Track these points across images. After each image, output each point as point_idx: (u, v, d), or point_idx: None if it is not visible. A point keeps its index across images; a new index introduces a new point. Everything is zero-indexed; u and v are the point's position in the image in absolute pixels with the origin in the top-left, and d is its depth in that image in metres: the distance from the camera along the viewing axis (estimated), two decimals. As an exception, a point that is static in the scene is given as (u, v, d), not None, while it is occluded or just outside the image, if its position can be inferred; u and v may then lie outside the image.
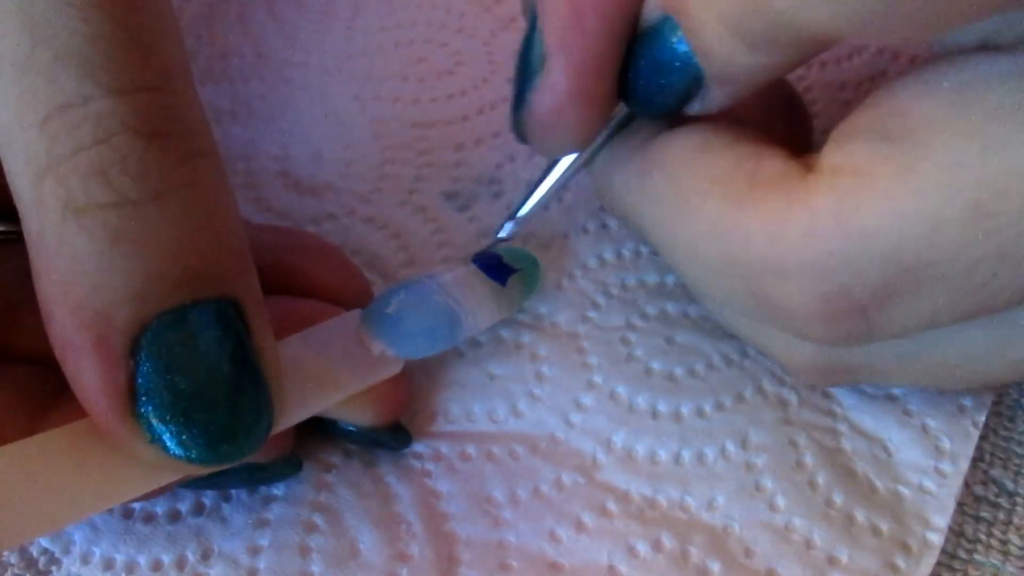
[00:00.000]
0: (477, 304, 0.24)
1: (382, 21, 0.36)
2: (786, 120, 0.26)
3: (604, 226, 0.29)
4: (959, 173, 0.18)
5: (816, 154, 0.20)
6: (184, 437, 0.19)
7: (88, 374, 0.18)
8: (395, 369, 0.24)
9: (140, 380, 0.18)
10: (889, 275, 0.19)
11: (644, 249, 0.29)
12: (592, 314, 0.27)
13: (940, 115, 0.18)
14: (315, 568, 0.23)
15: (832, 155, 0.20)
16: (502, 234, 0.26)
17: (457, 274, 0.25)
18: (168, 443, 0.19)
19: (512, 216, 0.26)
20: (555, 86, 0.21)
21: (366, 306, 0.25)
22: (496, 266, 0.25)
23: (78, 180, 0.18)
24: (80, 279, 0.18)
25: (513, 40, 0.35)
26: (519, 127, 0.23)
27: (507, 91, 0.33)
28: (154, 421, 0.18)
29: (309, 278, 0.25)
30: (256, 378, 0.19)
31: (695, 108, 0.21)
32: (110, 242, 0.18)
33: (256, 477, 0.24)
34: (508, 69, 0.34)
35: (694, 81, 0.20)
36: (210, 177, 0.19)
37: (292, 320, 0.23)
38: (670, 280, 0.28)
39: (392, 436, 0.25)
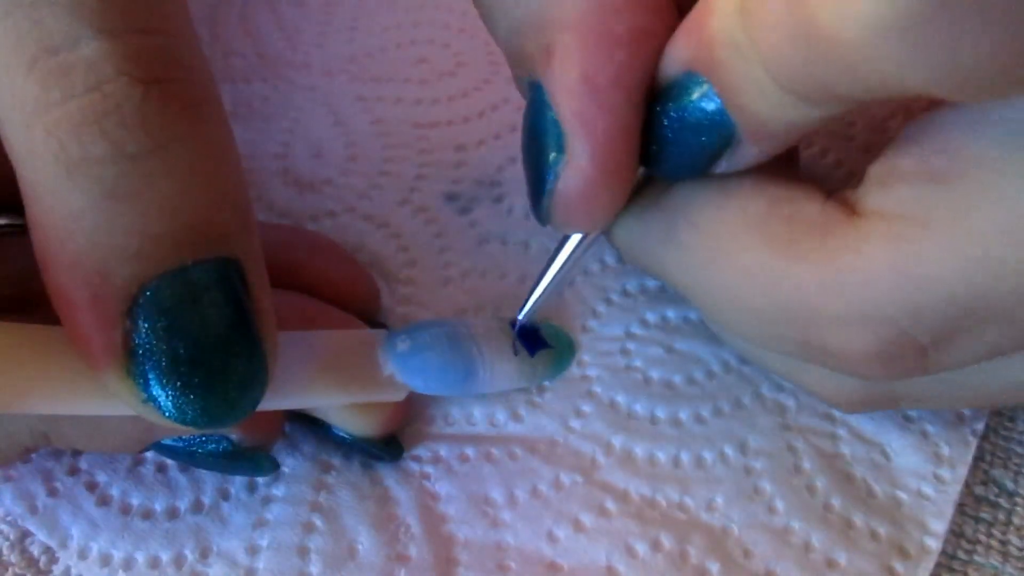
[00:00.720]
0: (499, 364, 0.24)
1: (384, 21, 0.36)
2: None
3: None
4: (1018, 214, 0.17)
5: (852, 192, 0.20)
6: (179, 400, 0.18)
7: (83, 329, 0.18)
8: (399, 396, 0.23)
9: (136, 340, 0.18)
10: (950, 318, 0.18)
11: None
12: (592, 323, 0.27)
13: (993, 154, 0.17)
14: (313, 569, 0.23)
15: (877, 198, 0.19)
16: (521, 317, 0.25)
17: (490, 328, 0.25)
18: (162, 404, 0.18)
19: (529, 299, 0.25)
20: (582, 169, 0.20)
21: (372, 307, 0.25)
22: (530, 336, 0.25)
23: (70, 131, 0.16)
24: (76, 235, 0.17)
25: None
26: (544, 214, 0.21)
27: (508, 92, 0.33)
28: (149, 382, 0.18)
29: (316, 275, 0.25)
30: (253, 342, 0.19)
31: (722, 167, 0.20)
32: (107, 198, 0.17)
33: (231, 464, 0.23)
34: (509, 71, 0.34)
35: (725, 140, 0.19)
36: (213, 127, 0.18)
37: (301, 316, 0.23)
38: (670, 285, 0.28)
39: (384, 449, 0.24)
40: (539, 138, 0.20)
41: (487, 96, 0.33)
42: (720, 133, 0.19)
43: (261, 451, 0.23)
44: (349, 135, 0.32)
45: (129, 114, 0.17)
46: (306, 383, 0.22)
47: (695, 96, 0.19)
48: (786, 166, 0.22)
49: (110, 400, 0.19)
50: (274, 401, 0.21)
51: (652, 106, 0.20)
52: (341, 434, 0.24)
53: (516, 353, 0.24)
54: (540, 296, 0.24)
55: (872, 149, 0.31)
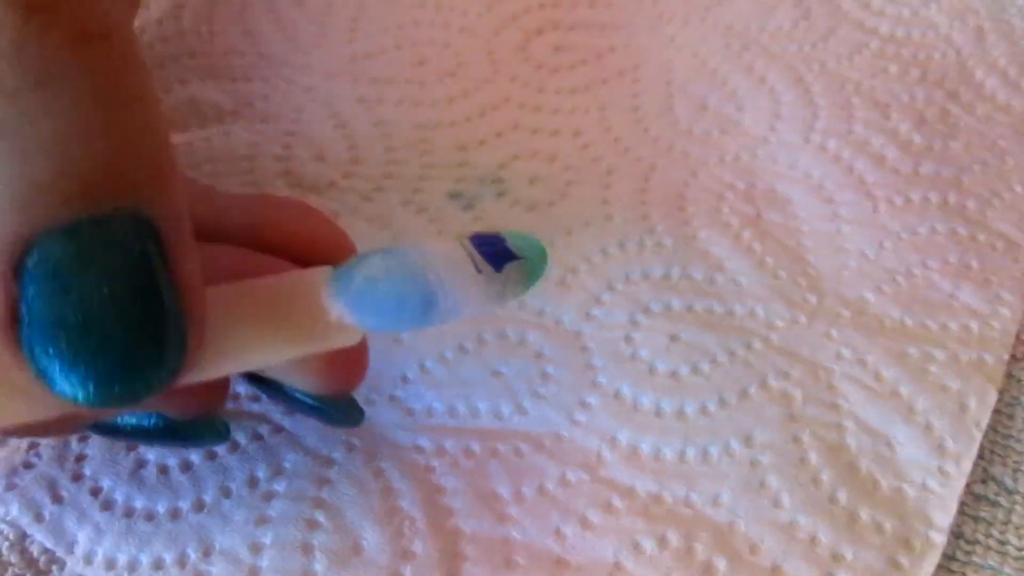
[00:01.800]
0: (461, 287, 0.21)
1: (383, 21, 0.36)
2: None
3: (608, 218, 0.29)
4: None
5: None
6: (72, 375, 0.16)
7: None
8: (351, 340, 0.20)
9: (23, 306, 0.15)
10: None
11: (648, 241, 0.29)
12: (596, 312, 0.27)
13: None
14: (318, 566, 0.23)
15: None
16: None
17: (448, 251, 0.21)
18: (54, 379, 0.16)
19: None
20: None
21: (343, 257, 0.23)
22: (495, 248, 0.22)
23: None
24: None
25: (514, 38, 0.35)
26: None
27: (509, 91, 0.33)
28: (39, 353, 0.16)
29: (284, 234, 0.23)
30: (162, 311, 0.16)
31: None
32: None
33: (175, 438, 0.22)
34: (510, 69, 0.34)
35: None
36: (115, 65, 0.16)
37: (236, 272, 0.20)
38: (675, 273, 0.28)
39: (341, 410, 0.23)
40: None
41: (488, 96, 0.34)
42: None
43: (202, 422, 0.22)
44: (351, 137, 0.32)
45: (5, 45, 0.15)
46: (241, 344, 0.19)
47: None
48: None
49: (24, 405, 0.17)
50: (205, 371, 0.19)
51: None
52: (294, 393, 0.22)
53: (479, 271, 0.21)
54: None
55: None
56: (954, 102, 0.32)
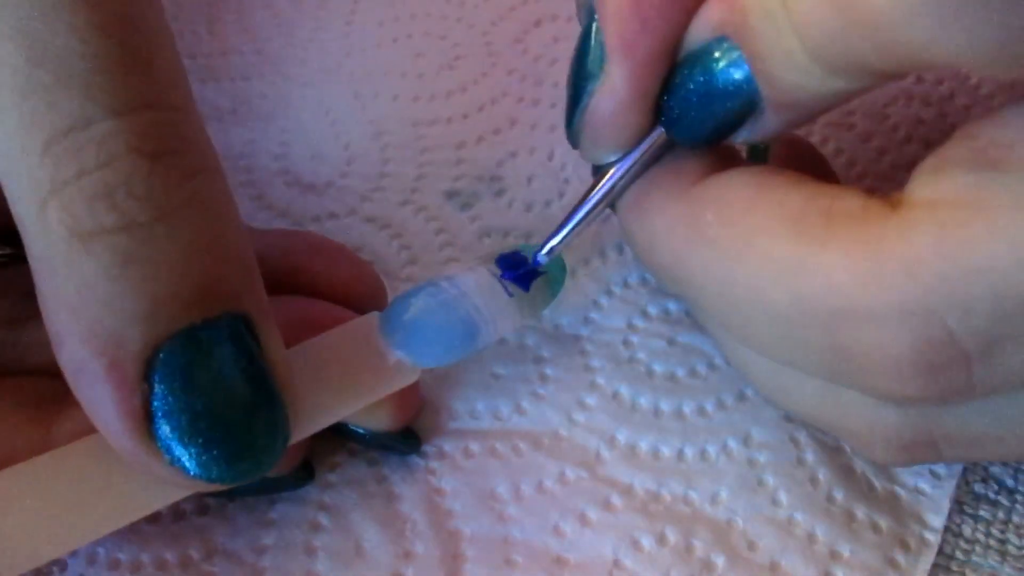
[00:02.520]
0: (498, 311, 0.23)
1: (380, 16, 0.36)
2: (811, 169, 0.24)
3: (606, 219, 0.29)
4: None
5: (897, 193, 0.18)
6: (203, 457, 0.19)
7: (103, 399, 0.18)
8: (412, 378, 0.23)
9: (155, 403, 0.18)
10: (1001, 317, 0.17)
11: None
12: (594, 315, 0.27)
13: None
14: (321, 567, 0.23)
15: (925, 188, 0.18)
16: (540, 259, 0.24)
17: (479, 279, 0.24)
18: (187, 464, 0.19)
19: (544, 246, 0.24)
20: (616, 91, 0.21)
21: (379, 304, 0.25)
22: (519, 267, 0.24)
23: (83, 205, 0.18)
24: (90, 304, 0.18)
25: (512, 30, 0.35)
26: (574, 133, 0.22)
27: (507, 86, 0.33)
28: (172, 443, 0.18)
29: (319, 277, 0.25)
30: (270, 393, 0.19)
31: (742, 136, 0.20)
32: (119, 265, 0.18)
33: (268, 488, 0.24)
34: (508, 62, 0.34)
35: (748, 107, 0.19)
36: (215, 192, 0.19)
37: (302, 321, 0.23)
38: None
39: (402, 440, 0.25)
40: (582, 59, 0.21)
41: (486, 90, 0.33)
42: (745, 100, 0.19)
43: (288, 477, 0.24)
44: (347, 136, 0.32)
45: (138, 186, 0.18)
46: (322, 406, 0.22)
47: (723, 61, 0.19)
48: (820, 170, 0.21)
49: (147, 495, 0.20)
50: (297, 437, 0.21)
51: (678, 68, 0.20)
52: (358, 431, 0.24)
53: (511, 294, 0.24)
54: (564, 234, 0.23)
55: (871, 137, 0.31)
56: (950, 104, 0.32)
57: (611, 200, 0.23)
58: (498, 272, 0.24)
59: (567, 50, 0.34)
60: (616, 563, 0.23)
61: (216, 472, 0.19)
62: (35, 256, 0.18)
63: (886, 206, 0.18)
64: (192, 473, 0.19)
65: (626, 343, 0.27)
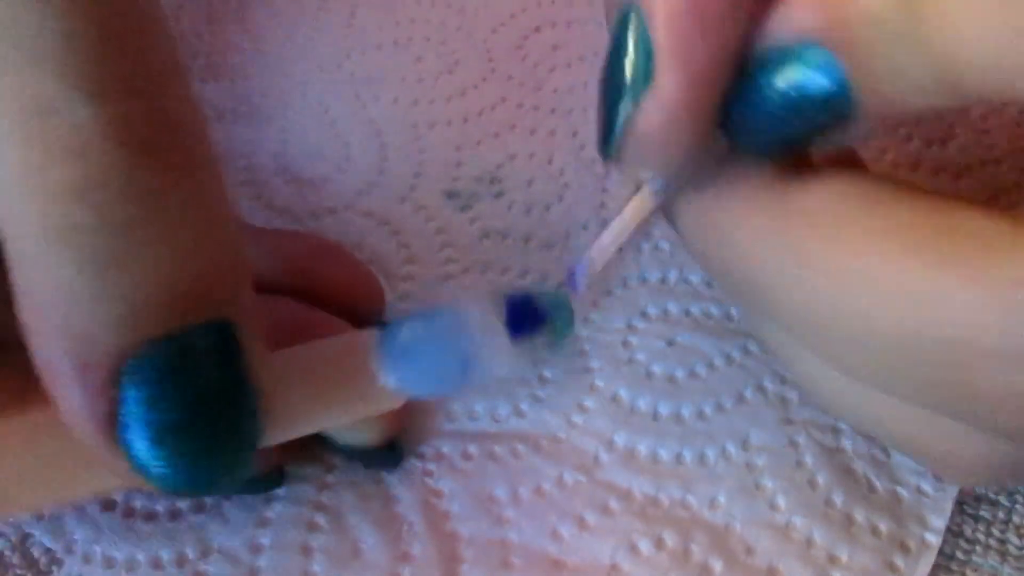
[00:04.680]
0: (495, 354, 0.22)
1: (380, 19, 0.36)
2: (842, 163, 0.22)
3: (605, 222, 0.29)
4: None
5: (1019, 210, 0.16)
6: (168, 469, 0.17)
7: (70, 398, 0.17)
8: (397, 403, 0.22)
9: (124, 409, 0.17)
10: None
11: (646, 245, 0.29)
12: (593, 315, 0.27)
13: None
14: (317, 568, 0.23)
15: None
16: (580, 287, 0.23)
17: (483, 316, 0.22)
18: (151, 473, 0.17)
19: (587, 264, 0.23)
20: (669, 102, 0.18)
21: (379, 308, 0.25)
22: (526, 314, 0.23)
23: (55, 198, 0.16)
24: (61, 304, 0.16)
25: (512, 36, 0.35)
26: (613, 148, 0.19)
27: (506, 91, 0.33)
28: (137, 451, 0.17)
29: (319, 279, 0.25)
30: (245, 408, 0.18)
31: (818, 145, 0.18)
32: (93, 267, 0.16)
33: (237, 490, 0.23)
34: (507, 68, 0.34)
35: (838, 119, 0.17)
36: (206, 192, 0.17)
37: (292, 325, 0.22)
38: (672, 276, 0.28)
39: (385, 456, 0.24)
40: (620, 64, 0.18)
41: (485, 95, 0.33)
42: (836, 112, 0.17)
43: (260, 481, 0.23)
44: (347, 135, 0.32)
45: (117, 182, 0.16)
46: (303, 414, 0.21)
47: (814, 70, 0.17)
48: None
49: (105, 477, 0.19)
50: (270, 441, 0.20)
51: (752, 74, 0.17)
52: (340, 444, 0.24)
53: (513, 337, 0.22)
54: (607, 256, 0.22)
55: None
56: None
57: (652, 215, 0.21)
58: (503, 307, 0.23)
59: (566, 57, 0.35)
60: (614, 567, 0.23)
61: (180, 484, 0.18)
62: (8, 245, 0.17)
63: (1012, 226, 0.16)
64: (156, 483, 0.18)
65: (625, 344, 0.27)
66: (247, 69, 0.35)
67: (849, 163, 0.22)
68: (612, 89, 0.19)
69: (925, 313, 0.16)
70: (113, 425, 0.17)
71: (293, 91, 0.34)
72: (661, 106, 0.18)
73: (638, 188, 0.20)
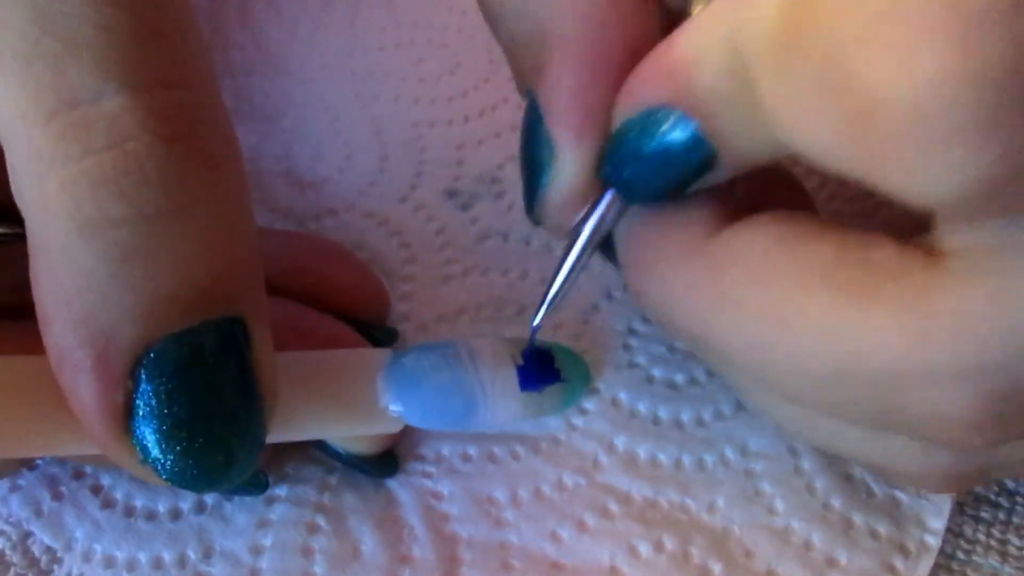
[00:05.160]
0: (503, 403, 0.22)
1: (382, 20, 0.36)
2: (787, 197, 0.24)
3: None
4: None
5: (925, 237, 0.17)
6: (178, 465, 0.18)
7: (84, 389, 0.17)
8: (394, 428, 0.22)
9: (138, 402, 0.17)
10: None
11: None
12: (594, 318, 0.27)
13: None
14: (318, 569, 0.23)
15: (963, 235, 0.17)
16: (535, 322, 0.23)
17: (498, 359, 0.23)
18: (160, 468, 0.18)
19: (541, 305, 0.23)
20: (570, 177, 0.21)
21: (381, 309, 0.25)
22: (541, 365, 0.23)
23: (87, 189, 0.16)
24: (84, 293, 0.16)
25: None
26: (535, 216, 0.22)
27: (508, 92, 0.33)
28: (149, 445, 0.17)
29: (322, 281, 0.25)
30: (255, 406, 0.18)
31: (695, 188, 0.20)
32: (119, 258, 0.16)
33: (231, 490, 0.24)
34: (508, 68, 0.34)
35: (704, 166, 0.19)
36: (234, 186, 0.18)
37: (293, 328, 0.22)
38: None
39: (379, 465, 0.24)
40: (532, 147, 0.21)
41: (487, 95, 0.33)
42: (700, 162, 0.19)
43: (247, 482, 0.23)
44: (347, 134, 0.32)
45: (151, 173, 0.16)
46: (300, 420, 0.21)
47: (674, 130, 0.18)
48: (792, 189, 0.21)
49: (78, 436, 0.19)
50: (271, 439, 0.20)
51: (621, 136, 0.20)
52: (335, 450, 0.24)
53: (523, 389, 0.23)
54: (553, 297, 0.23)
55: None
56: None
57: (587, 258, 0.22)
58: (520, 362, 0.23)
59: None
60: (613, 570, 0.23)
61: (188, 480, 0.18)
62: (32, 233, 0.17)
63: (923, 256, 0.17)
64: (164, 477, 0.18)
65: (626, 347, 0.27)
66: (249, 68, 0.35)
67: (788, 190, 0.23)
68: (527, 166, 0.22)
69: (854, 346, 0.17)
70: (126, 418, 0.17)
71: (295, 91, 0.34)
72: (564, 181, 0.21)
73: (570, 241, 0.22)
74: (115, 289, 0.16)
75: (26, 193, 0.17)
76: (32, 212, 0.17)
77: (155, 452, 0.17)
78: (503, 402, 0.22)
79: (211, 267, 0.17)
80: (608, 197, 0.21)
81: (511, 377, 0.22)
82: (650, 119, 0.19)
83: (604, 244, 0.22)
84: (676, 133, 0.18)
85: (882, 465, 0.21)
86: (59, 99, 0.16)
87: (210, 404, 0.18)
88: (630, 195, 0.20)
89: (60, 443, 0.19)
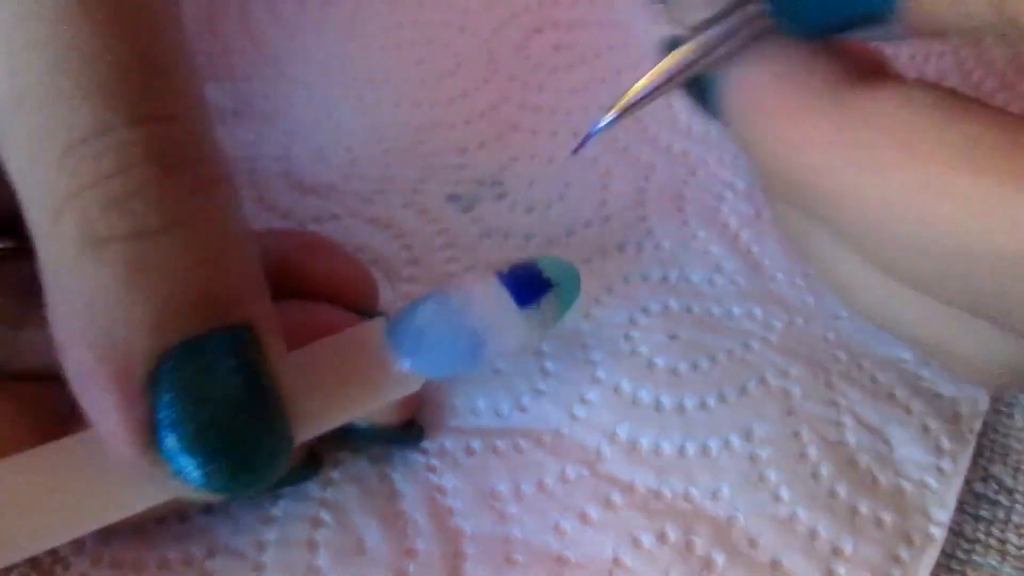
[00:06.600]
0: (506, 327, 0.23)
1: (382, 21, 0.36)
2: None
3: (607, 219, 0.29)
4: None
5: None
6: (208, 468, 0.18)
7: (107, 408, 0.18)
8: (415, 387, 0.23)
9: (160, 413, 0.18)
10: None
11: (647, 244, 0.29)
12: (595, 310, 0.27)
13: None
14: (322, 562, 0.23)
15: None
16: (604, 123, 0.21)
17: (489, 290, 0.23)
18: (191, 474, 0.18)
19: (619, 106, 0.21)
20: None
21: (373, 302, 0.25)
22: (532, 282, 0.23)
23: (97, 211, 0.18)
24: (99, 311, 0.18)
25: (513, 37, 0.36)
26: None
27: (509, 91, 0.34)
28: (176, 454, 0.18)
29: (313, 276, 0.25)
30: (274, 404, 0.19)
31: (862, 34, 0.19)
32: (129, 273, 0.18)
33: (277, 483, 0.23)
34: (509, 69, 0.35)
35: (881, 9, 0.18)
36: (225, 203, 0.19)
37: (305, 326, 0.23)
38: (673, 275, 0.28)
39: (405, 433, 0.25)
40: None
41: (487, 96, 0.34)
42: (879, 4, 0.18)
43: (295, 470, 0.24)
44: (349, 139, 0.33)
45: (152, 193, 0.18)
46: (324, 410, 0.22)
47: None
48: None
49: (140, 494, 0.20)
50: (298, 441, 0.21)
51: None
52: (360, 426, 0.24)
53: (521, 307, 0.23)
54: (641, 97, 0.21)
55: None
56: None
57: (686, 74, 0.21)
58: (508, 278, 0.23)
59: (568, 58, 0.35)
60: (616, 561, 0.23)
61: (221, 483, 0.19)
62: (46, 261, 0.18)
63: None
64: (197, 484, 0.18)
65: (627, 337, 0.27)
66: (247, 70, 0.35)
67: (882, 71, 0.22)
68: None
69: (991, 225, 0.17)
70: (150, 431, 0.18)
71: (295, 93, 0.34)
72: None
73: (672, 48, 0.20)
74: (127, 303, 0.18)
75: (39, 225, 0.18)
76: (46, 242, 0.18)
77: (183, 460, 0.18)
78: (507, 327, 0.22)
79: (214, 276, 0.18)
80: (753, 7, 0.19)
81: (507, 302, 0.23)
82: None
83: (698, 86, 0.20)
84: None
85: (960, 354, 0.21)
86: (71, 136, 0.18)
87: (227, 408, 0.18)
88: (789, 20, 0.19)
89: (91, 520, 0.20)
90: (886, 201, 0.18)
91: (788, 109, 0.19)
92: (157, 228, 0.18)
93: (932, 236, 0.18)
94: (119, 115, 0.18)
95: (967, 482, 0.24)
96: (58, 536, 0.20)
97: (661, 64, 0.21)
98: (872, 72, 0.19)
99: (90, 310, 0.18)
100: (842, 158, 0.19)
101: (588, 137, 0.22)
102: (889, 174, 0.18)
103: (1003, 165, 0.17)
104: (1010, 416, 0.25)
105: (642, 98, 0.21)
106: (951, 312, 0.20)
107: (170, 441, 0.18)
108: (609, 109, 0.21)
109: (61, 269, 0.18)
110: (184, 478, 0.18)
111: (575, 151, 0.23)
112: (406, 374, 0.22)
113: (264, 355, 0.19)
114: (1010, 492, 0.24)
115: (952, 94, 0.18)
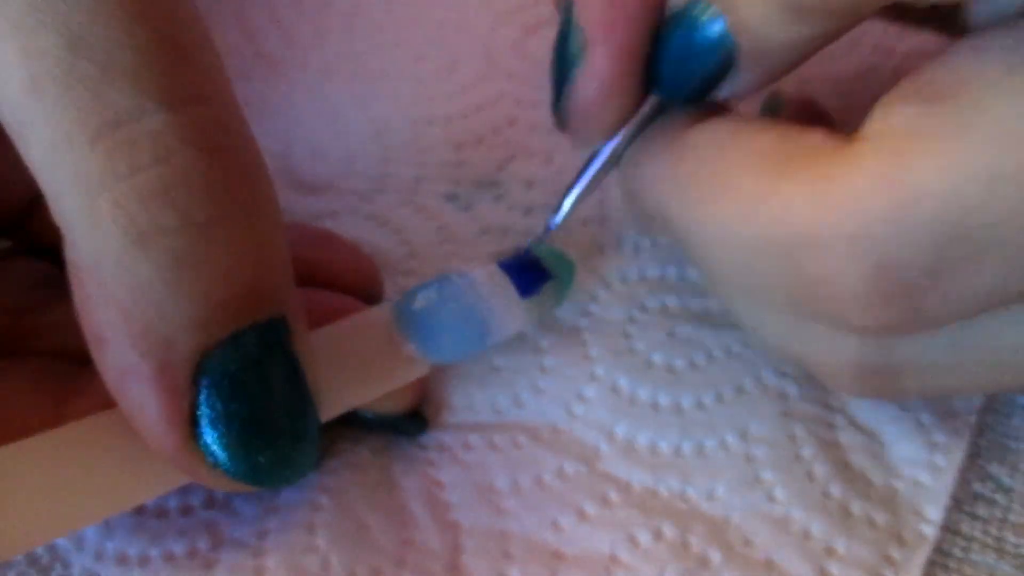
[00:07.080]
0: (509, 312, 0.24)
1: (380, 19, 0.37)
2: None
3: (604, 219, 0.30)
4: (1015, 128, 0.17)
5: (858, 130, 0.19)
6: (248, 462, 0.18)
7: (148, 401, 0.18)
8: (423, 370, 0.23)
9: (202, 408, 0.18)
10: (942, 241, 0.17)
11: (645, 242, 0.29)
12: (593, 308, 0.27)
13: (993, 75, 0.17)
14: (320, 541, 0.23)
15: (875, 122, 0.19)
16: (557, 220, 0.25)
17: (491, 276, 0.24)
18: (231, 469, 0.19)
19: (556, 211, 0.25)
20: (597, 75, 0.21)
21: (375, 290, 0.25)
22: (530, 271, 0.24)
23: (139, 203, 0.17)
24: (142, 306, 0.17)
25: (511, 35, 0.36)
26: (560, 118, 0.23)
27: (507, 87, 0.34)
28: (217, 448, 0.18)
29: (315, 266, 0.25)
30: (307, 396, 0.19)
31: (724, 91, 0.21)
32: (174, 267, 0.17)
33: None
34: (507, 65, 0.35)
35: (726, 61, 0.20)
36: (266, 191, 0.19)
37: (324, 314, 0.23)
38: (671, 273, 0.28)
39: (409, 422, 0.25)
40: (564, 44, 0.22)
41: (485, 92, 0.34)
42: (722, 55, 0.20)
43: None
44: (348, 136, 0.33)
45: (197, 184, 0.17)
46: (338, 395, 0.22)
47: (702, 17, 0.20)
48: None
49: (162, 479, 0.20)
50: (322, 419, 0.21)
51: (663, 31, 0.21)
52: (365, 415, 0.24)
53: (522, 293, 0.24)
54: (570, 205, 0.25)
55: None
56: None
57: (613, 164, 0.24)
58: (509, 268, 0.24)
59: (566, 54, 0.35)
60: (613, 558, 0.23)
61: (260, 477, 0.19)
62: (81, 253, 0.18)
63: (844, 140, 0.19)
64: (236, 478, 0.19)
65: (625, 334, 0.27)
66: (246, 71, 0.35)
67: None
68: (557, 65, 0.22)
69: (768, 214, 0.19)
70: (191, 425, 0.18)
71: (293, 92, 0.34)
72: (592, 77, 0.21)
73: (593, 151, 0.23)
74: (172, 298, 0.17)
75: (73, 215, 0.17)
76: (81, 232, 0.17)
77: (223, 455, 0.18)
78: (509, 315, 0.24)
79: (256, 269, 0.18)
80: (648, 103, 0.22)
81: (508, 288, 0.24)
82: (687, 10, 0.20)
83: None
84: (707, 24, 0.20)
85: (802, 356, 0.22)
86: (102, 121, 0.17)
87: (268, 401, 0.18)
88: (663, 92, 0.22)
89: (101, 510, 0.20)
90: (691, 214, 0.21)
91: (641, 158, 0.23)
92: (203, 220, 0.17)
93: (728, 236, 0.20)
94: (151, 99, 0.17)
95: (965, 481, 0.24)
96: (82, 519, 0.20)
97: (596, 160, 0.24)
98: (710, 113, 0.22)
99: (133, 305, 0.17)
100: (666, 187, 0.22)
101: (547, 231, 0.25)
102: (691, 189, 0.21)
103: (782, 166, 0.19)
104: (1008, 416, 0.25)
105: (583, 190, 0.24)
106: (788, 321, 0.22)
107: (210, 436, 0.18)
108: (557, 207, 0.25)
109: (100, 262, 0.17)
110: (225, 470, 0.19)
111: (541, 237, 0.25)
112: (415, 358, 0.23)
113: (294, 344, 0.19)
114: (1007, 491, 0.24)
115: (756, 118, 0.21)
